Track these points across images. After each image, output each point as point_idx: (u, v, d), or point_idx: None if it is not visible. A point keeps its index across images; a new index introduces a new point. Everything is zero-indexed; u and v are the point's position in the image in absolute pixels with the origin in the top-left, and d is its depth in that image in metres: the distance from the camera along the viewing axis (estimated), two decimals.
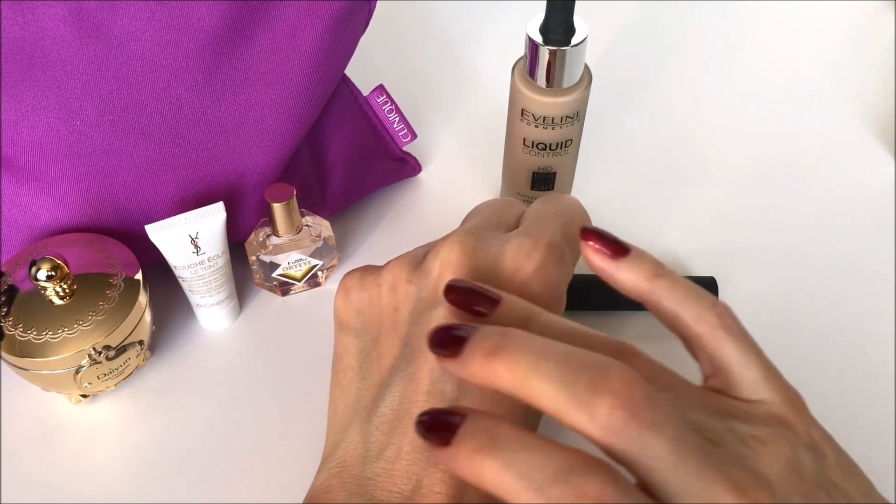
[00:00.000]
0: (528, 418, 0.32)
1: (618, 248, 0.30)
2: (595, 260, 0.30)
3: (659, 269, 0.30)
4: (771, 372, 0.29)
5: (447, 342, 0.26)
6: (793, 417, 0.28)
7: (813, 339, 0.45)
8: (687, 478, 0.23)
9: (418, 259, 0.34)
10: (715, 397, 0.28)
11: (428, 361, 0.31)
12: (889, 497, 0.39)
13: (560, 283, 0.33)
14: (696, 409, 0.27)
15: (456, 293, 0.29)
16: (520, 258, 0.32)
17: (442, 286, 0.32)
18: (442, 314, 0.31)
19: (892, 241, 0.50)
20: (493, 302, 0.29)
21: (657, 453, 0.23)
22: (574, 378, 0.23)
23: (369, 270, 0.34)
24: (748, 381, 0.28)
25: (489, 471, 0.23)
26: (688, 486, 0.23)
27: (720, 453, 0.25)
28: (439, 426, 0.25)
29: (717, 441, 0.25)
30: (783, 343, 0.45)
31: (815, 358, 0.44)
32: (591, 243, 0.30)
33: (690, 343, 0.30)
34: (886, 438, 0.41)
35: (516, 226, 0.37)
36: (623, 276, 0.30)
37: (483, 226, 0.35)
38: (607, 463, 0.23)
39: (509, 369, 0.24)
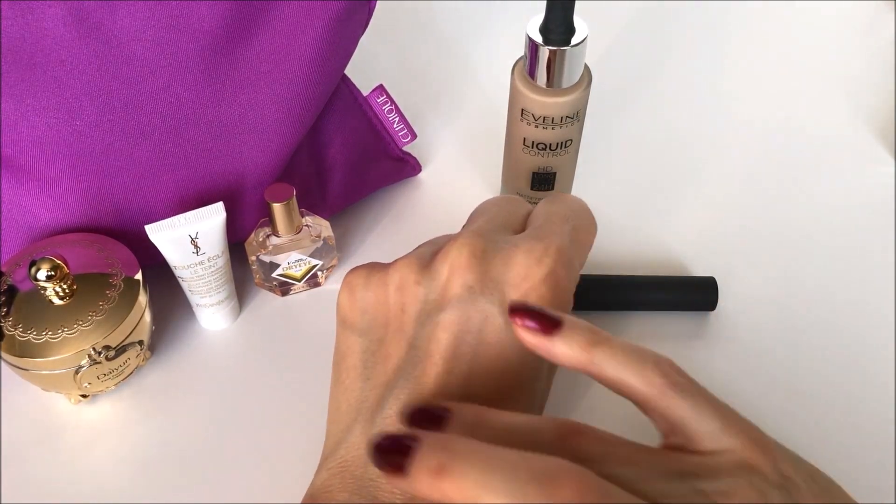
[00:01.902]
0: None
1: (549, 323, 0.29)
2: (527, 338, 0.29)
3: (595, 337, 0.29)
4: (726, 418, 0.28)
5: (391, 453, 0.25)
6: (757, 459, 0.27)
7: (813, 339, 0.45)
8: None
9: (426, 259, 0.34)
10: (675, 459, 0.28)
11: (435, 366, 0.31)
12: (889, 497, 0.39)
13: (568, 288, 0.33)
14: (658, 477, 0.26)
15: (411, 415, 0.28)
16: (530, 263, 0.32)
17: (450, 289, 0.32)
18: (450, 318, 0.31)
19: (892, 241, 0.50)
20: (443, 416, 0.28)
21: None
22: (525, 491, 0.23)
23: (375, 269, 0.34)
24: (705, 433, 0.28)
25: (455, 491, 0.23)
26: None
27: None
28: (393, 450, 0.24)
29: None
30: (783, 343, 0.45)
31: (816, 358, 0.44)
32: (518, 321, 0.29)
33: (641, 405, 0.29)
34: (886, 438, 0.41)
35: (523, 226, 0.36)
36: (559, 350, 0.29)
37: (491, 227, 0.35)
38: (573, 466, 0.23)
39: (458, 489, 0.24)
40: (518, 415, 0.28)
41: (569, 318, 0.29)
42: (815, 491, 0.28)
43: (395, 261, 0.34)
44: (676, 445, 0.28)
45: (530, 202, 0.48)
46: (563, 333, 0.29)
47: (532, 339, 0.29)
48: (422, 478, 0.24)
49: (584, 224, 0.36)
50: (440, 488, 0.24)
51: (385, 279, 0.33)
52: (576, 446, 0.27)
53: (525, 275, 0.32)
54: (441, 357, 0.31)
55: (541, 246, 0.33)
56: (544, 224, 0.35)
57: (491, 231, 0.34)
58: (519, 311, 0.29)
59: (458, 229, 0.43)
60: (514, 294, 0.32)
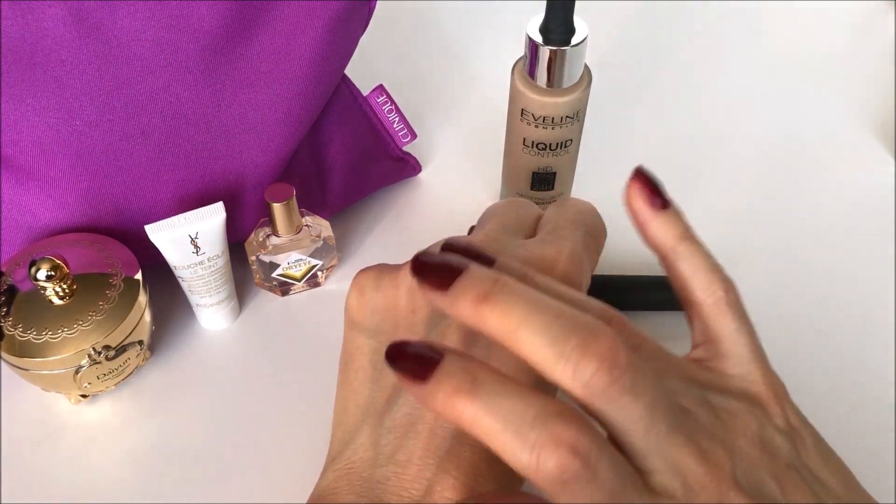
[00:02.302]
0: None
1: (659, 200, 0.31)
2: (634, 202, 0.31)
3: (687, 232, 0.31)
4: (758, 353, 0.30)
5: (435, 271, 0.26)
6: (768, 400, 0.29)
7: (813, 339, 0.45)
8: (655, 440, 0.25)
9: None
10: (693, 367, 0.29)
11: None
12: (889, 496, 0.39)
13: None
14: (675, 378, 0.28)
15: (453, 249, 0.29)
16: (543, 268, 0.32)
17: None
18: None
19: (892, 241, 0.50)
20: (489, 261, 0.29)
21: (632, 416, 0.24)
22: (564, 336, 0.24)
23: (386, 270, 0.34)
24: (735, 355, 0.30)
25: (468, 412, 0.24)
26: (655, 446, 0.25)
27: (691, 421, 0.26)
28: (415, 360, 0.25)
29: (690, 409, 0.27)
30: (783, 342, 0.45)
31: (816, 357, 0.44)
32: (637, 185, 0.31)
33: (690, 309, 0.31)
34: (886, 438, 0.41)
35: (534, 230, 0.36)
36: (653, 228, 0.31)
37: (503, 231, 0.35)
38: (581, 413, 0.24)
39: (499, 317, 0.25)
40: (564, 285, 0.29)
41: (675, 206, 0.31)
42: (823, 454, 0.29)
43: (407, 263, 0.34)
44: (701, 359, 0.30)
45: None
46: (664, 215, 0.31)
47: (639, 206, 0.31)
48: (466, 299, 0.25)
49: (595, 228, 0.36)
50: (482, 313, 0.25)
51: (396, 281, 0.33)
52: (615, 330, 0.27)
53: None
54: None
55: (553, 251, 0.33)
56: (556, 229, 0.35)
57: (502, 235, 0.34)
58: (641, 177, 0.31)
59: (458, 229, 0.43)
60: None
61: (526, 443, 0.23)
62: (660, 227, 0.31)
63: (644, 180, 0.31)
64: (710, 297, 0.30)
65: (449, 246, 0.29)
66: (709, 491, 0.25)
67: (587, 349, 0.24)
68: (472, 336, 0.31)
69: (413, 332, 0.32)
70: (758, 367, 0.29)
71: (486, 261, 0.29)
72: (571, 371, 0.24)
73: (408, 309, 0.33)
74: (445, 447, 0.29)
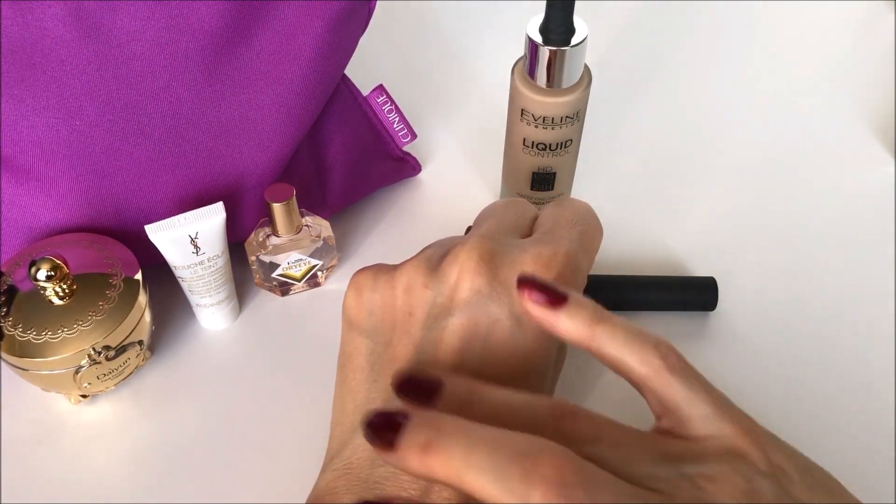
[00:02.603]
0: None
1: (555, 297, 0.30)
2: (534, 311, 0.30)
3: (598, 314, 0.29)
4: (719, 405, 0.28)
5: (382, 429, 0.26)
6: (746, 447, 0.28)
7: (813, 339, 0.45)
8: None
9: (434, 262, 0.33)
10: (664, 442, 0.28)
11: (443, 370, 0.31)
12: (889, 496, 0.39)
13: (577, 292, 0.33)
14: (645, 461, 0.27)
15: (402, 384, 0.29)
16: (538, 268, 0.32)
17: (459, 292, 0.32)
18: (458, 322, 0.31)
19: (892, 241, 0.50)
20: (436, 387, 0.28)
21: None
22: (506, 469, 0.24)
23: (383, 270, 0.34)
24: (697, 417, 0.28)
25: (441, 468, 0.24)
26: None
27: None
28: (384, 426, 0.25)
29: (667, 490, 0.26)
30: (783, 343, 0.45)
31: (816, 358, 0.44)
32: (526, 293, 0.30)
33: (637, 386, 0.30)
34: (886, 438, 0.41)
35: (530, 230, 0.36)
36: (563, 325, 0.30)
37: (500, 230, 0.35)
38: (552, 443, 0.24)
39: (444, 465, 0.25)
40: (512, 393, 0.29)
41: (574, 295, 0.30)
42: (810, 483, 0.28)
43: (404, 263, 0.34)
44: (667, 429, 0.29)
45: (532, 203, 0.48)
46: (567, 308, 0.29)
47: (538, 312, 0.30)
48: (410, 454, 0.25)
49: (591, 228, 0.36)
50: (427, 464, 0.25)
51: (393, 281, 0.33)
52: (568, 427, 0.27)
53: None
54: (448, 361, 0.31)
55: (549, 250, 0.33)
56: (553, 228, 0.35)
57: (499, 235, 0.34)
58: (527, 284, 0.30)
59: (458, 229, 0.43)
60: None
61: (511, 490, 0.23)
62: (568, 322, 0.30)
63: (531, 285, 0.30)
64: (649, 368, 0.29)
65: (398, 379, 0.29)
66: None
67: (531, 476, 0.23)
68: (468, 343, 0.31)
69: (409, 335, 0.32)
70: (724, 419, 0.28)
71: (433, 388, 0.28)
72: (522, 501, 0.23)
73: (404, 311, 0.33)
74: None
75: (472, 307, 0.32)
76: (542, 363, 0.32)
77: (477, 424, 0.25)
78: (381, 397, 0.31)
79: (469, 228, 0.40)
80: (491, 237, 0.34)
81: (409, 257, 0.35)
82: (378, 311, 0.33)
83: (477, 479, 0.24)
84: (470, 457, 0.24)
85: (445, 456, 0.24)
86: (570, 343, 0.30)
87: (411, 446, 0.25)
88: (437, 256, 0.34)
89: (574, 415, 0.28)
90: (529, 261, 0.32)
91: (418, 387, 0.28)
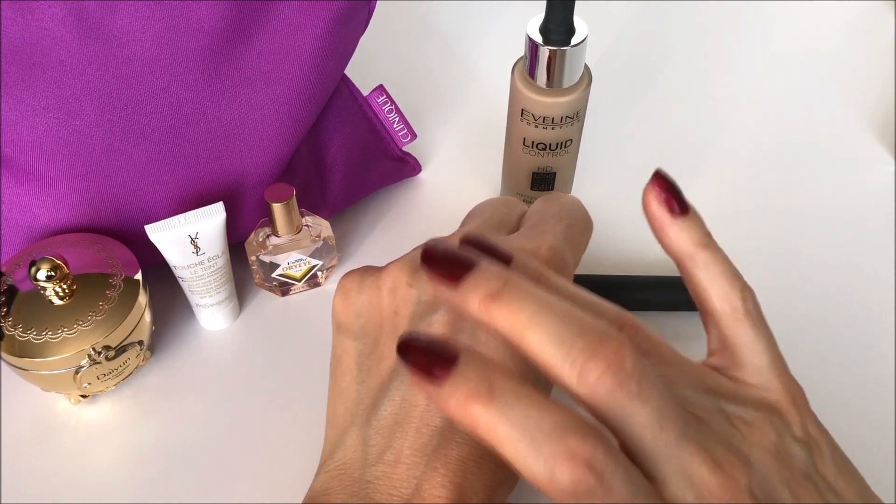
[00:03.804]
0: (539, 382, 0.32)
1: (678, 205, 0.30)
2: (652, 206, 0.30)
3: (707, 239, 0.30)
4: (777, 361, 0.29)
5: (446, 263, 0.25)
6: (787, 408, 0.28)
7: (813, 339, 0.45)
8: (665, 447, 0.24)
9: (419, 261, 0.34)
10: (711, 376, 0.28)
11: None
12: (889, 497, 0.39)
13: None
14: (689, 386, 0.27)
15: (470, 244, 0.28)
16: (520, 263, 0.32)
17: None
18: (443, 318, 0.31)
19: (892, 241, 0.50)
20: (506, 259, 0.28)
21: (640, 421, 0.24)
22: (571, 338, 0.24)
23: (369, 272, 0.34)
24: (753, 365, 0.29)
25: (483, 418, 0.23)
26: (665, 455, 0.24)
27: (704, 428, 0.25)
28: (430, 359, 0.24)
29: (704, 418, 0.26)
30: (783, 343, 0.45)
31: (816, 358, 0.44)
32: (655, 189, 0.30)
33: (707, 317, 0.30)
34: (886, 438, 0.41)
35: (517, 227, 0.36)
36: (672, 234, 0.30)
37: (484, 228, 0.35)
38: (598, 428, 0.24)
39: (508, 317, 0.24)
40: (580, 288, 0.29)
41: (695, 211, 0.30)
42: (838, 464, 0.28)
43: (389, 264, 0.34)
44: (717, 366, 0.29)
45: (529, 202, 0.48)
46: (683, 221, 0.30)
47: (657, 211, 0.30)
48: (475, 296, 0.25)
49: (578, 222, 0.36)
50: (490, 311, 0.24)
51: (378, 282, 0.33)
52: (628, 335, 0.27)
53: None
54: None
55: (532, 245, 0.33)
56: (537, 223, 0.35)
57: (483, 232, 0.34)
58: (660, 181, 0.30)
59: (457, 229, 0.43)
60: None
61: (540, 454, 0.22)
62: (679, 233, 0.30)
63: (663, 184, 0.30)
64: (728, 306, 0.29)
65: (466, 240, 0.29)
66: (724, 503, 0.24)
67: (593, 352, 0.23)
68: (456, 329, 0.31)
69: (396, 333, 0.32)
70: (776, 375, 0.29)
71: (503, 258, 0.28)
72: (577, 374, 0.23)
73: (390, 310, 0.33)
74: (433, 445, 0.29)
75: None
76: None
77: (548, 293, 0.25)
78: (370, 396, 0.31)
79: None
80: (474, 234, 0.34)
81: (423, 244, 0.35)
82: (365, 312, 0.33)
83: (538, 340, 0.24)
84: (537, 316, 0.24)
85: (512, 309, 0.24)
86: (668, 252, 0.30)
87: (478, 289, 0.25)
88: (419, 255, 0.34)
89: (635, 327, 0.28)
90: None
91: (488, 251, 0.28)
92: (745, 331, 0.29)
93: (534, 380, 0.31)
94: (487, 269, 0.25)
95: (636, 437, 0.24)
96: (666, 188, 0.30)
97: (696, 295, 0.30)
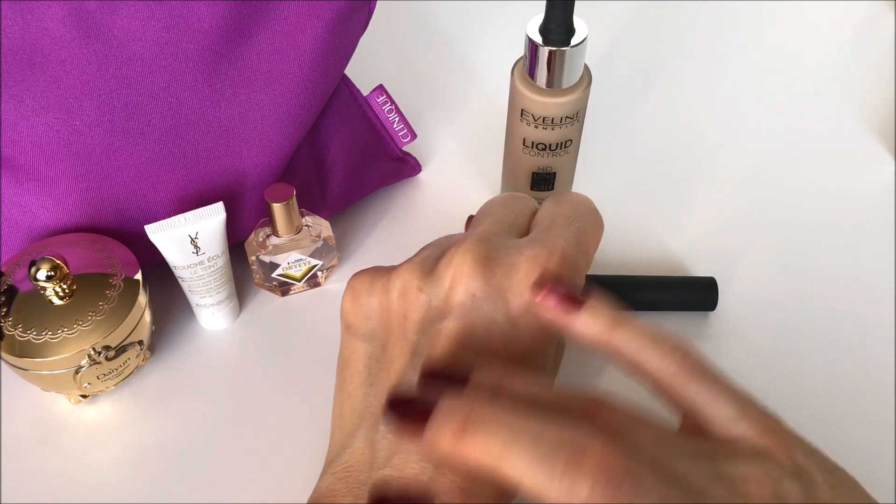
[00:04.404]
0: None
1: (571, 302, 0.30)
2: (548, 315, 0.30)
3: (615, 319, 0.29)
4: (742, 405, 0.28)
5: (406, 417, 0.25)
6: (773, 446, 0.28)
7: (813, 339, 0.45)
8: None
9: (429, 264, 0.33)
10: (695, 441, 0.28)
11: None
12: (889, 497, 0.39)
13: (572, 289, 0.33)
14: (679, 458, 0.26)
15: (427, 376, 0.28)
16: (534, 270, 0.32)
17: (453, 296, 0.32)
18: (453, 326, 0.31)
19: (892, 241, 0.50)
20: (462, 381, 0.28)
21: None
22: (551, 460, 0.23)
23: (379, 273, 0.34)
24: (722, 418, 0.28)
25: (476, 450, 0.24)
26: None
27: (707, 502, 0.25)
28: (409, 413, 0.25)
29: (703, 490, 0.25)
30: (783, 343, 0.45)
31: (816, 358, 0.44)
32: (541, 298, 0.30)
33: (655, 389, 0.29)
34: (886, 438, 0.41)
35: (527, 227, 0.36)
36: (580, 329, 0.30)
37: (495, 230, 0.35)
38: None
39: (481, 449, 0.24)
40: (543, 386, 0.28)
41: (590, 299, 0.30)
42: (832, 482, 0.28)
43: (399, 265, 0.34)
44: (693, 428, 0.29)
45: None
46: (585, 314, 0.30)
47: (553, 316, 0.30)
48: (444, 437, 0.25)
49: (589, 224, 0.36)
50: (463, 447, 0.24)
51: (388, 285, 0.33)
52: (605, 419, 0.27)
53: (528, 282, 0.32)
54: (444, 365, 0.31)
55: (545, 252, 0.33)
56: (549, 227, 0.35)
57: (495, 235, 0.34)
58: (543, 288, 0.30)
59: (458, 229, 0.43)
60: (518, 301, 0.32)
61: (555, 472, 0.23)
62: (584, 327, 0.30)
63: (549, 287, 0.30)
64: (667, 371, 0.29)
65: (423, 372, 0.29)
66: None
67: (577, 470, 0.23)
68: (463, 346, 0.31)
69: (405, 338, 0.32)
70: (749, 419, 0.28)
71: (459, 380, 0.28)
72: (567, 493, 0.23)
73: (400, 314, 0.33)
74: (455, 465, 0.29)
75: (466, 311, 0.32)
76: (539, 363, 0.32)
77: (515, 411, 0.25)
78: (378, 400, 0.31)
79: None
80: (486, 239, 0.33)
81: (407, 258, 0.35)
82: (375, 314, 0.33)
83: (517, 469, 0.24)
84: (511, 443, 0.24)
85: (483, 440, 0.24)
86: (586, 346, 0.30)
87: (443, 431, 0.25)
88: (432, 258, 0.34)
89: (609, 409, 0.27)
90: (524, 263, 0.32)
91: (445, 380, 0.28)
92: (695, 389, 0.28)
93: None
94: (446, 408, 0.25)
95: None
96: (553, 292, 0.30)
97: (635, 372, 0.30)
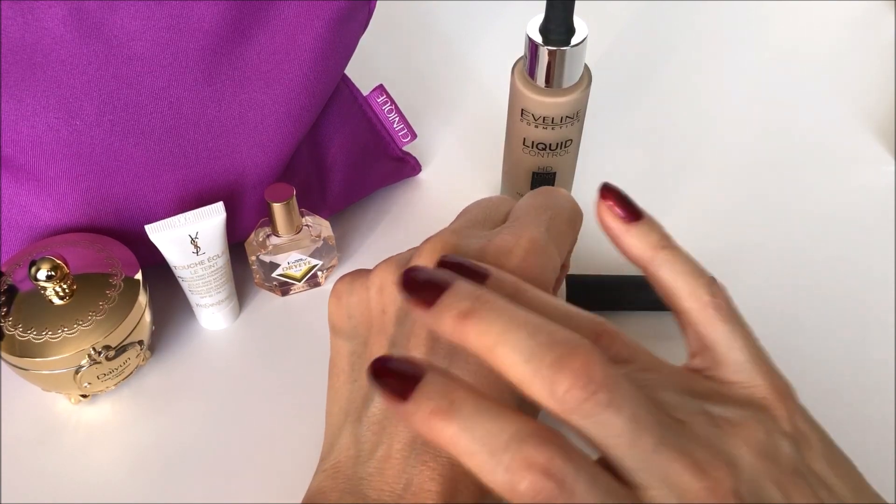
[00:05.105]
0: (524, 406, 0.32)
1: (631, 212, 0.31)
2: (606, 218, 0.31)
3: (665, 241, 0.30)
4: (758, 356, 0.29)
5: (421, 288, 0.26)
6: (774, 404, 0.28)
7: (813, 339, 0.45)
8: (643, 454, 0.24)
9: (405, 260, 0.34)
10: (692, 378, 0.28)
11: None
12: (889, 497, 0.39)
13: (543, 278, 0.33)
14: (670, 390, 0.27)
15: (447, 265, 0.29)
16: (500, 256, 0.32)
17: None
18: (422, 334, 0.31)
19: (892, 241, 0.50)
20: (482, 276, 0.29)
21: (614, 431, 0.24)
22: (540, 353, 0.24)
23: (359, 274, 0.34)
24: (733, 362, 0.29)
25: (445, 432, 0.24)
26: (644, 462, 0.24)
27: (684, 432, 0.25)
28: (396, 377, 0.25)
29: (685, 421, 0.26)
30: (783, 343, 0.45)
31: (815, 358, 0.44)
32: (606, 201, 0.31)
33: (680, 317, 0.30)
34: (886, 438, 0.41)
35: (503, 222, 0.36)
36: (629, 240, 0.30)
37: (468, 224, 0.35)
38: (560, 434, 0.24)
39: (479, 335, 0.25)
40: (556, 300, 0.29)
41: (649, 216, 0.31)
42: (829, 458, 0.28)
43: (377, 265, 0.34)
44: (699, 368, 0.29)
45: None
46: (639, 226, 0.30)
47: (611, 221, 0.31)
48: (447, 316, 0.25)
49: (563, 211, 0.36)
50: (461, 329, 0.25)
51: (366, 283, 0.34)
52: (604, 344, 0.27)
53: (497, 267, 0.32)
54: (420, 352, 0.31)
55: (512, 238, 0.33)
56: (521, 217, 0.35)
57: (466, 228, 0.35)
58: (609, 192, 0.31)
59: (443, 228, 0.43)
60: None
61: (500, 465, 0.23)
62: (635, 239, 0.30)
63: (613, 195, 0.31)
64: (697, 302, 0.29)
65: (443, 261, 0.29)
66: None
67: (562, 366, 0.24)
68: (436, 337, 0.31)
69: (384, 332, 0.32)
70: (759, 370, 0.28)
71: (479, 276, 0.28)
72: (548, 388, 0.24)
73: (378, 309, 0.33)
74: (421, 440, 0.29)
75: None
76: None
77: (521, 307, 0.25)
78: (360, 395, 0.32)
79: None
80: (456, 231, 0.34)
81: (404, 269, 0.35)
82: (356, 312, 0.34)
83: (508, 356, 0.24)
84: (507, 333, 0.24)
85: (483, 327, 0.25)
86: (630, 260, 0.31)
87: (450, 309, 0.25)
88: (408, 256, 0.34)
89: (613, 335, 0.28)
90: (492, 249, 0.32)
91: (464, 272, 0.28)
92: (719, 326, 0.29)
93: (515, 397, 0.31)
94: (458, 290, 0.26)
95: (613, 447, 0.24)
96: (617, 198, 0.31)
97: (666, 297, 0.30)
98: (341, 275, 0.36)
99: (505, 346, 0.24)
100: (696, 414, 0.26)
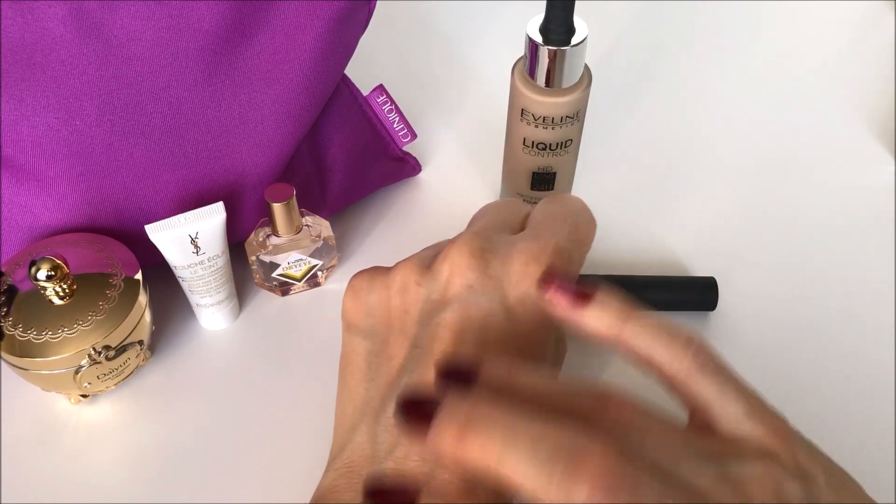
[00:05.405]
0: None
1: (578, 295, 0.29)
2: (558, 310, 0.30)
3: (626, 312, 0.29)
4: (751, 404, 0.28)
5: (413, 418, 0.26)
6: (777, 447, 0.28)
7: (813, 340, 0.45)
8: None
9: (427, 261, 0.34)
10: (703, 440, 0.28)
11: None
12: (889, 496, 0.39)
13: None
14: (686, 458, 0.26)
15: (440, 375, 0.28)
16: (528, 261, 0.32)
17: (451, 288, 0.32)
18: (450, 317, 0.31)
19: (892, 241, 0.50)
20: (472, 373, 0.28)
21: None
22: (550, 461, 0.23)
23: (378, 272, 0.34)
24: (729, 416, 0.28)
25: (475, 451, 0.24)
26: None
27: None
28: (415, 414, 0.25)
29: (709, 491, 0.25)
30: (783, 343, 0.45)
31: (815, 358, 0.44)
32: (550, 292, 0.30)
33: (667, 384, 0.29)
34: (886, 438, 0.41)
35: (522, 227, 0.37)
36: (589, 323, 0.29)
37: (491, 227, 0.35)
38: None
39: (480, 452, 0.24)
40: (553, 379, 0.28)
41: (600, 292, 0.30)
42: (834, 485, 0.28)
43: (398, 263, 0.34)
44: (702, 426, 0.29)
45: (530, 202, 0.48)
46: (593, 307, 0.29)
47: (562, 312, 0.30)
48: (445, 442, 0.25)
49: (582, 222, 0.36)
50: (462, 451, 0.24)
51: (387, 282, 0.34)
52: (614, 415, 0.27)
53: (524, 272, 0.32)
54: (443, 354, 0.31)
55: (538, 244, 0.33)
56: (543, 223, 0.35)
57: (490, 231, 0.35)
58: (549, 283, 0.30)
59: (458, 229, 0.43)
60: (514, 292, 0.32)
61: (553, 474, 0.23)
62: (594, 320, 0.29)
63: (556, 284, 0.30)
64: (680, 366, 0.28)
65: (437, 368, 0.28)
66: None
67: (574, 475, 0.23)
68: (461, 337, 0.31)
69: (405, 331, 0.32)
70: (756, 419, 0.28)
71: (469, 373, 0.28)
72: (564, 498, 0.23)
73: (400, 309, 0.33)
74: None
75: (464, 302, 0.32)
76: (538, 353, 0.32)
77: (516, 412, 0.25)
78: (379, 395, 0.32)
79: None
80: (481, 234, 0.34)
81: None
82: (375, 311, 0.34)
83: (517, 468, 0.23)
84: (510, 446, 0.24)
85: (482, 443, 0.24)
86: (597, 341, 0.30)
87: (445, 432, 0.25)
88: (429, 256, 0.34)
89: (620, 404, 0.27)
90: (518, 254, 0.33)
91: (455, 373, 0.28)
92: (708, 387, 0.28)
93: None
94: (448, 408, 0.25)
95: None
96: (561, 285, 0.30)
97: (645, 367, 0.29)
98: (349, 272, 0.35)
99: (509, 462, 0.24)
100: (716, 480, 0.26)
